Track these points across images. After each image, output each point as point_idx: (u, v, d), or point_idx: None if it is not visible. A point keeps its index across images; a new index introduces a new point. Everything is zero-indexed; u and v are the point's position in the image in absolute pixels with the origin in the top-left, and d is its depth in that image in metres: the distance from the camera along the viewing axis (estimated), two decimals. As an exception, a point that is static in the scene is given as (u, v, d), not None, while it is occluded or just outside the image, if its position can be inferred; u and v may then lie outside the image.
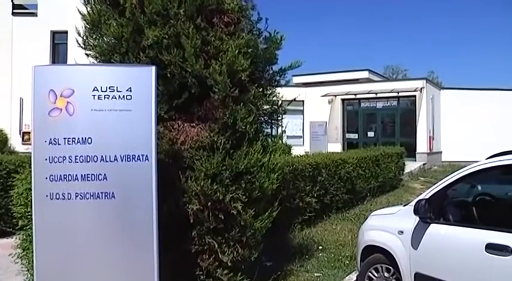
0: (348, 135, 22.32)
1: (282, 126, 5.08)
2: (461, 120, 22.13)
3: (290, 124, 22.87)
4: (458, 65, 66.33)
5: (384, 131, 21.64)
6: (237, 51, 4.17)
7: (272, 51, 4.72)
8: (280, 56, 4.77)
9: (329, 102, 22.23)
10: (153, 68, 3.25)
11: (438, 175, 15.42)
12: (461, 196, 4.10)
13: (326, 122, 22.05)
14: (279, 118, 5.03)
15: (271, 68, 4.93)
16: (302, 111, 23.14)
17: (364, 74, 25.14)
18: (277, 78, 4.98)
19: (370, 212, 5.62)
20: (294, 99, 5.45)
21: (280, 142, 5.69)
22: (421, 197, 3.95)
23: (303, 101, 22.79)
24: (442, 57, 68.11)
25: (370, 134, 21.71)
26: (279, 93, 4.85)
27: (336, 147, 19.92)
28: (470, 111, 21.98)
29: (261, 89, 4.69)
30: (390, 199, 10.72)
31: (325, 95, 21.91)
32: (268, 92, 4.81)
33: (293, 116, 22.85)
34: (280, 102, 4.87)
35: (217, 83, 4.11)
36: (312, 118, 22.50)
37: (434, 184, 4.01)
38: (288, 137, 21.93)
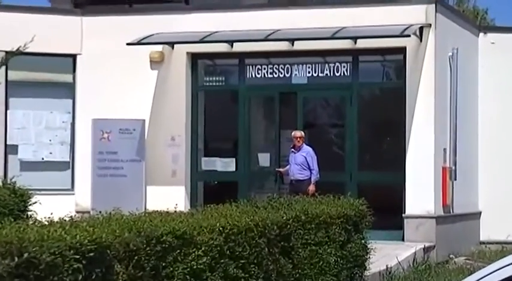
0: (207, 162, 23.17)
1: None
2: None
3: (27, 127, 23.93)
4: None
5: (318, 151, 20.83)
6: None
7: None
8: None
9: (153, 62, 22.53)
10: None
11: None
12: None
13: (143, 122, 22.45)
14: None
15: None
16: (72, 88, 23.49)
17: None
18: None
19: None
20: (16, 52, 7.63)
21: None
22: None
23: (74, 56, 23.20)
24: None
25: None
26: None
27: (173, 194, 21.01)
28: None
29: None
30: None
31: (140, 43, 21.90)
32: None
33: (39, 103, 24.24)
34: None
35: None
36: (99, 112, 22.54)
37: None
38: (22, 163, 23.86)
